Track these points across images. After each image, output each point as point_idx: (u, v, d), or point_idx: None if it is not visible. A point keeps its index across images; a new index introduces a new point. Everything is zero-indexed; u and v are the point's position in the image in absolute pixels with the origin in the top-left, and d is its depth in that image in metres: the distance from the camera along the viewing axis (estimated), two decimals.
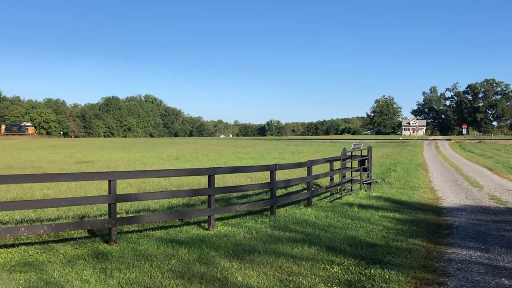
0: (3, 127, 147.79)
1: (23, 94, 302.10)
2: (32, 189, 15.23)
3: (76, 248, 8.41)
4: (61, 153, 43.00)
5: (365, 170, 16.81)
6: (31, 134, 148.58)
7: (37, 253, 8.07)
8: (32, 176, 9.46)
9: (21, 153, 41.63)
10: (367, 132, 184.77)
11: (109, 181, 8.92)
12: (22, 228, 8.09)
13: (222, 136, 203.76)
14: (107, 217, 9.38)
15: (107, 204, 9.38)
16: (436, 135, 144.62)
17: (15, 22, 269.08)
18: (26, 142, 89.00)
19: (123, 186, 15.67)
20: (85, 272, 7.00)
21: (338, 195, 14.97)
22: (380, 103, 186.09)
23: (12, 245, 8.49)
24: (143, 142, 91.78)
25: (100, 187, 15.50)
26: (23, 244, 8.57)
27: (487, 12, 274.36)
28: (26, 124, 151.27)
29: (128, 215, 11.03)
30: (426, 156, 39.95)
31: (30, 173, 18.72)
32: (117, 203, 9.27)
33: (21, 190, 15.02)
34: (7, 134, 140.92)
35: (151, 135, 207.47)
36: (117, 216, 9.25)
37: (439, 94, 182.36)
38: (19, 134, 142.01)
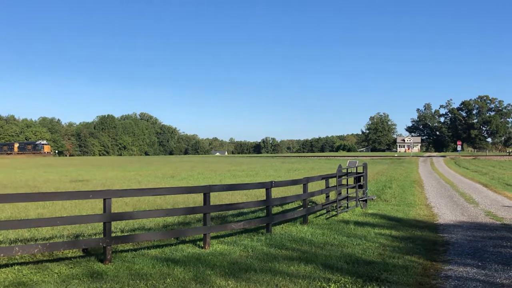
0: (16, 145, 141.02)
1: (18, 113, 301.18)
2: (26, 209, 15.13)
3: (71, 268, 8.33)
4: (56, 172, 42.84)
5: (360, 187, 16.81)
6: (47, 152, 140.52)
7: (31, 272, 7.99)
8: (26, 195, 9.40)
9: (16, 173, 41.44)
10: (362, 149, 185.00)
11: (104, 199, 8.89)
12: (16, 248, 8.03)
13: (217, 153, 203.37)
14: (102, 236, 9.32)
15: (102, 223, 9.33)
16: (431, 152, 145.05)
17: (8, 41, 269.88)
18: (22, 161, 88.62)
19: (118, 205, 15.60)
20: None
21: (334, 213, 14.95)
22: (375, 120, 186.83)
23: (6, 265, 8.41)
24: (138, 160, 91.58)
25: (95, 206, 15.42)
26: (17, 263, 8.49)
27: (481, 29, 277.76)
28: (42, 142, 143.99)
29: (123, 234, 10.97)
30: (422, 172, 40.02)
31: (25, 192, 18.60)
32: (112, 222, 9.23)
33: (15, 210, 14.94)
34: (20, 153, 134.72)
35: (146, 154, 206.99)
36: (112, 235, 9.20)
37: (433, 111, 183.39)
38: (33, 153, 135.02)
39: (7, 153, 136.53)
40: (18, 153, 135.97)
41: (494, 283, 7.47)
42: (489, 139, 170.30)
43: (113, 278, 7.59)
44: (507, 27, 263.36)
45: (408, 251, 9.74)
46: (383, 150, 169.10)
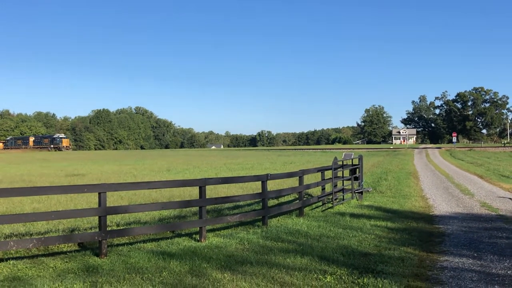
0: (31, 139, 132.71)
1: (13, 107, 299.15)
2: (21, 203, 15.07)
3: (66, 262, 8.31)
4: (51, 166, 42.69)
5: (356, 179, 16.82)
6: (66, 147, 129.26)
7: (26, 267, 7.96)
8: (21, 190, 9.35)
9: (11, 167, 41.27)
10: (357, 141, 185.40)
11: (99, 193, 8.84)
12: (11, 242, 7.98)
13: (213, 147, 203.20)
14: (97, 230, 9.30)
15: (97, 217, 9.29)
16: (426, 144, 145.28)
17: (3, 36, 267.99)
18: (17, 156, 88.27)
19: (113, 199, 15.57)
20: (75, 286, 6.90)
21: (330, 205, 14.96)
22: (370, 113, 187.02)
23: (1, 260, 8.38)
24: (134, 154, 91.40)
25: (90, 200, 15.38)
26: (12, 258, 8.46)
27: (475, 21, 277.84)
28: (60, 136, 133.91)
29: (118, 228, 10.95)
30: (417, 164, 40.08)
31: (19, 187, 18.53)
32: (107, 216, 9.19)
33: (10, 204, 14.87)
34: (36, 147, 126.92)
35: (142, 147, 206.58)
36: (107, 229, 9.17)
37: (428, 103, 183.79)
38: (51, 147, 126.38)
39: (22, 148, 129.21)
40: (34, 147, 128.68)
41: (490, 274, 7.49)
42: (484, 131, 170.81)
43: (109, 272, 7.57)
44: (501, 20, 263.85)
45: (404, 242, 9.76)
46: (379, 143, 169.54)
